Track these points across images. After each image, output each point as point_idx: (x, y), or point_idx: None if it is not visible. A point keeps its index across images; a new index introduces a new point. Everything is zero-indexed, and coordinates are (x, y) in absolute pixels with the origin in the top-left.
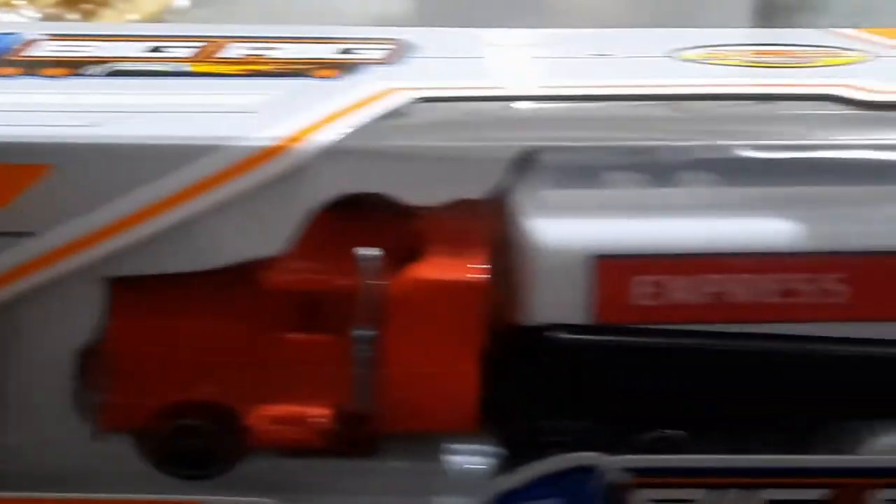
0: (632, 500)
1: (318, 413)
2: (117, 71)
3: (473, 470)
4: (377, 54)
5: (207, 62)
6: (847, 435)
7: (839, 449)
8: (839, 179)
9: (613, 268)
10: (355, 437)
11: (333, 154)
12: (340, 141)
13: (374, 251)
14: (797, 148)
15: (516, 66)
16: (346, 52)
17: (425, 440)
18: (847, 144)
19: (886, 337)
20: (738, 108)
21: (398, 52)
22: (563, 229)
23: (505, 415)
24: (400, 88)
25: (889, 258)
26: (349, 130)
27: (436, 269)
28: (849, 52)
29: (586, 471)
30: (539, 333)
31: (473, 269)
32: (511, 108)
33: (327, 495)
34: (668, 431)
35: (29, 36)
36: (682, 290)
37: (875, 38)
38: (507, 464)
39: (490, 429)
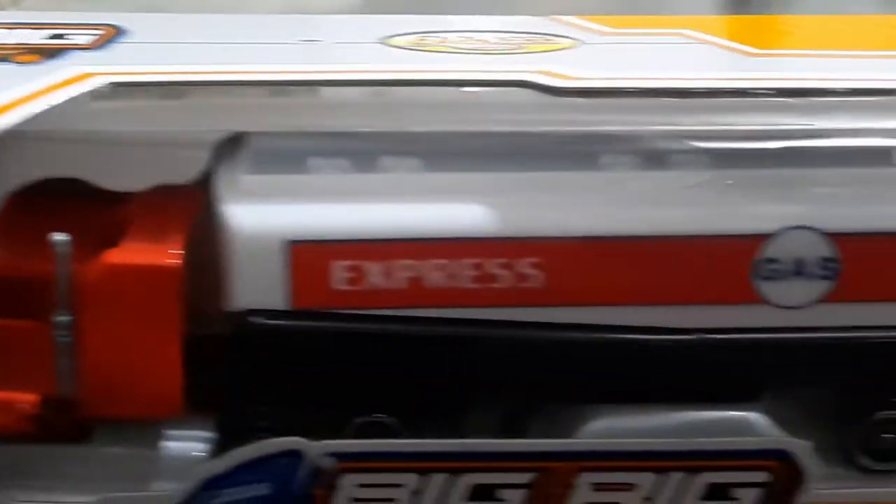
0: (339, 485)
1: (24, 399)
2: None
3: (189, 456)
4: (86, 39)
5: None
6: (560, 419)
7: (552, 433)
8: (533, 165)
9: (311, 253)
10: (63, 424)
11: (20, 139)
12: (27, 125)
13: (66, 236)
14: (492, 134)
15: (225, 51)
16: (55, 37)
17: (142, 426)
18: (539, 131)
19: (586, 321)
20: (436, 94)
21: (107, 38)
22: (260, 214)
23: (214, 400)
24: (98, 73)
25: (582, 243)
26: (36, 114)
27: (130, 253)
28: (560, 40)
29: (292, 456)
30: (241, 319)
31: (170, 254)
32: (216, 93)
33: (37, 481)
34: (380, 416)
35: None
36: (380, 275)
37: (593, 25)
38: (221, 449)
39: (202, 414)
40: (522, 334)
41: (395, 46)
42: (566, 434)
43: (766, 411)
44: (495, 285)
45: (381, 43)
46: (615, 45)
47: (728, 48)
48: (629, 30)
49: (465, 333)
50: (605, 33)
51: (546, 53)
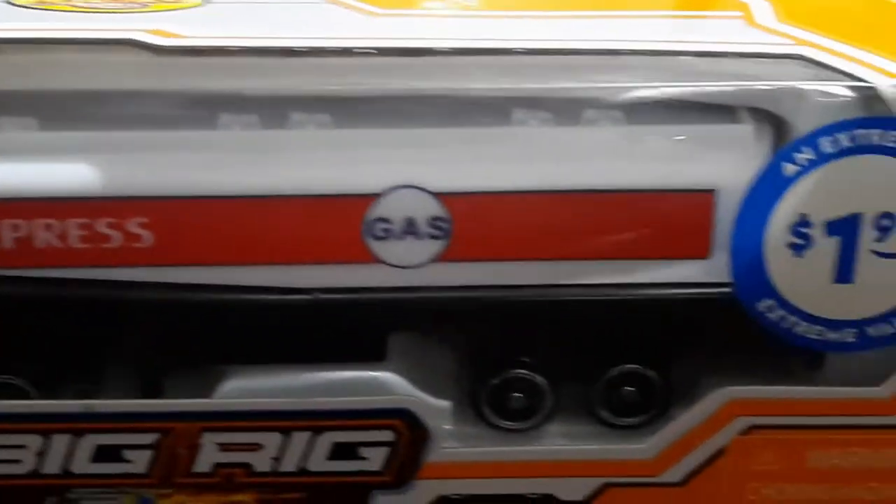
0: None
1: None
2: None
3: None
4: None
5: None
6: (195, 381)
7: (190, 395)
8: (144, 125)
9: None
10: None
11: None
12: None
13: None
14: (103, 93)
15: None
16: None
17: None
18: (147, 90)
19: (199, 282)
20: (51, 53)
21: None
22: None
23: None
24: None
25: (191, 203)
26: None
27: None
28: None
29: None
30: None
31: None
32: None
33: None
34: (8, 378)
35: None
36: None
37: None
38: None
39: None
40: (136, 295)
41: (18, 6)
42: (204, 396)
43: (403, 371)
44: (106, 245)
45: (4, 2)
46: (241, 5)
47: (354, 8)
48: None
49: (78, 295)
50: None
51: (168, 12)
